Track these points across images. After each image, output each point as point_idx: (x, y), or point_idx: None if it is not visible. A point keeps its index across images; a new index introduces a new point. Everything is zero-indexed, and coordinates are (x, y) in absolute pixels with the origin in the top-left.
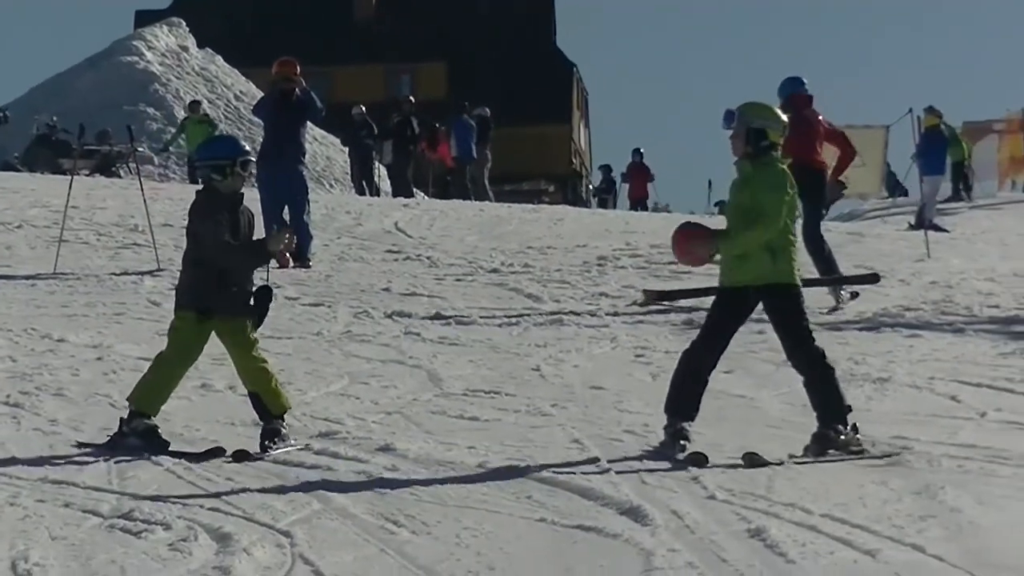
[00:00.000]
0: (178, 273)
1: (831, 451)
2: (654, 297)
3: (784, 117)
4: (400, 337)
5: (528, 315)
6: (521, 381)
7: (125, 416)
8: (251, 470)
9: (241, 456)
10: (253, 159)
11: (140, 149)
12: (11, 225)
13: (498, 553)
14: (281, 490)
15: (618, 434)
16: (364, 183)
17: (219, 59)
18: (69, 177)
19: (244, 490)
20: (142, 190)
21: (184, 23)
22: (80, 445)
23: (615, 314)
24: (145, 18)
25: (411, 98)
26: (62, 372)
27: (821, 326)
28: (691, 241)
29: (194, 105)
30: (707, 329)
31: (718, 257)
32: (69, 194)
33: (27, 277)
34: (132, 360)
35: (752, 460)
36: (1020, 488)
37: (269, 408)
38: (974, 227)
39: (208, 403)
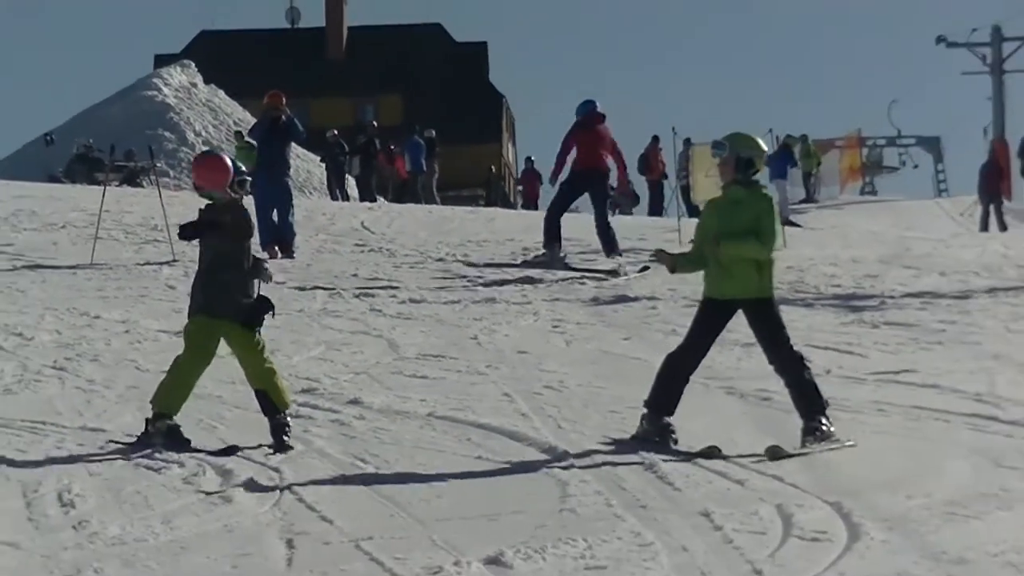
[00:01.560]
0: (189, 264)
1: (822, 442)
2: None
3: (764, 147)
4: (366, 313)
5: (467, 295)
6: (462, 347)
7: (150, 416)
8: (248, 420)
9: (283, 447)
10: (249, 178)
11: (159, 165)
12: (56, 225)
13: (444, 483)
14: None
15: (539, 389)
16: (337, 191)
17: (221, 93)
18: (102, 187)
19: (242, 435)
20: (160, 197)
21: (193, 64)
22: (112, 442)
23: (528, 280)
24: (162, 60)
25: (374, 123)
26: (97, 342)
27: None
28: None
29: (238, 135)
30: (692, 335)
31: None
32: (102, 201)
33: (69, 267)
34: (153, 332)
35: (775, 453)
36: (857, 430)
37: (276, 404)
38: (821, 223)
39: (223, 364)
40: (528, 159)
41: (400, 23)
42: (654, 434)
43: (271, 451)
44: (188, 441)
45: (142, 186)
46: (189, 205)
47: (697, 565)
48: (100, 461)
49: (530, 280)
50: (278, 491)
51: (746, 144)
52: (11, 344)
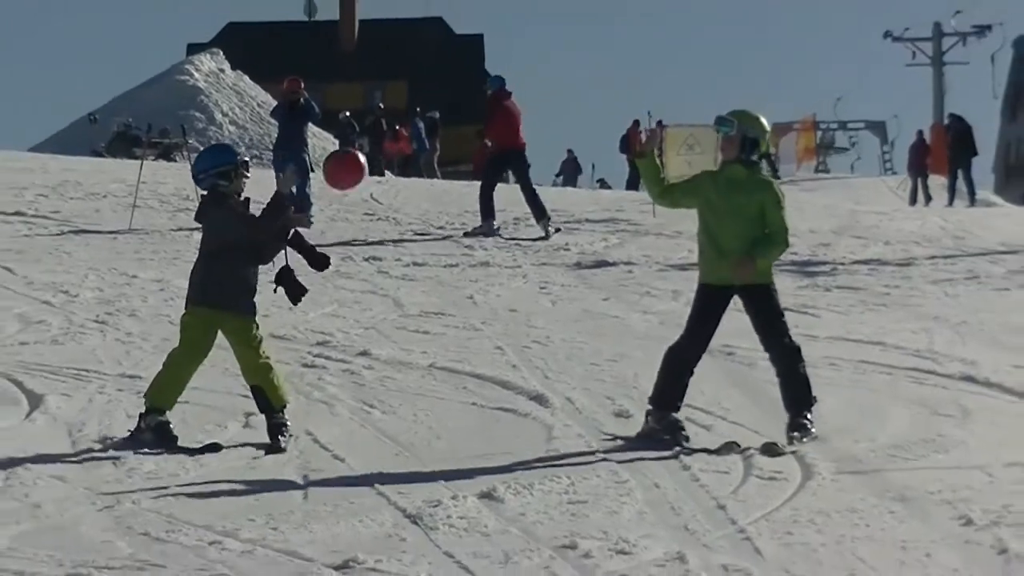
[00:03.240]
0: None
1: (805, 438)
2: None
3: (768, 127)
4: (374, 274)
5: (464, 259)
6: (459, 305)
7: (143, 411)
8: None
9: (276, 448)
10: (248, 159)
11: (190, 142)
12: (99, 195)
13: (443, 427)
14: (289, 383)
15: (528, 343)
16: None
17: (246, 78)
18: (140, 161)
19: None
20: (191, 171)
21: (222, 52)
22: (103, 440)
23: (514, 239)
24: (194, 48)
25: (380, 105)
26: (135, 299)
27: (659, 263)
28: (342, 169)
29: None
30: (692, 326)
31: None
32: (140, 173)
33: (110, 232)
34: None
35: (770, 450)
36: (811, 383)
37: (271, 400)
38: None
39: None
40: (479, 131)
41: (405, 17)
42: (662, 432)
43: (263, 452)
44: (175, 439)
45: (175, 160)
46: None
47: (668, 500)
48: (137, 406)
49: (520, 246)
50: (295, 433)
51: (753, 124)
52: (58, 300)
